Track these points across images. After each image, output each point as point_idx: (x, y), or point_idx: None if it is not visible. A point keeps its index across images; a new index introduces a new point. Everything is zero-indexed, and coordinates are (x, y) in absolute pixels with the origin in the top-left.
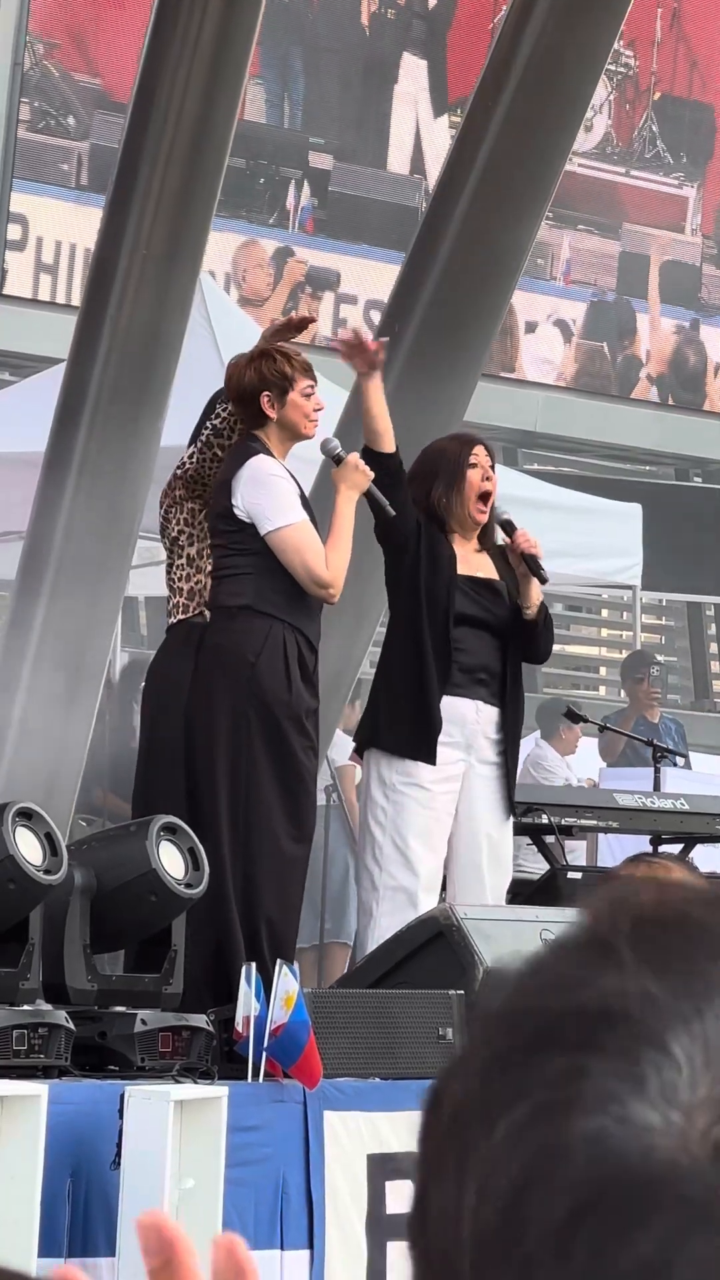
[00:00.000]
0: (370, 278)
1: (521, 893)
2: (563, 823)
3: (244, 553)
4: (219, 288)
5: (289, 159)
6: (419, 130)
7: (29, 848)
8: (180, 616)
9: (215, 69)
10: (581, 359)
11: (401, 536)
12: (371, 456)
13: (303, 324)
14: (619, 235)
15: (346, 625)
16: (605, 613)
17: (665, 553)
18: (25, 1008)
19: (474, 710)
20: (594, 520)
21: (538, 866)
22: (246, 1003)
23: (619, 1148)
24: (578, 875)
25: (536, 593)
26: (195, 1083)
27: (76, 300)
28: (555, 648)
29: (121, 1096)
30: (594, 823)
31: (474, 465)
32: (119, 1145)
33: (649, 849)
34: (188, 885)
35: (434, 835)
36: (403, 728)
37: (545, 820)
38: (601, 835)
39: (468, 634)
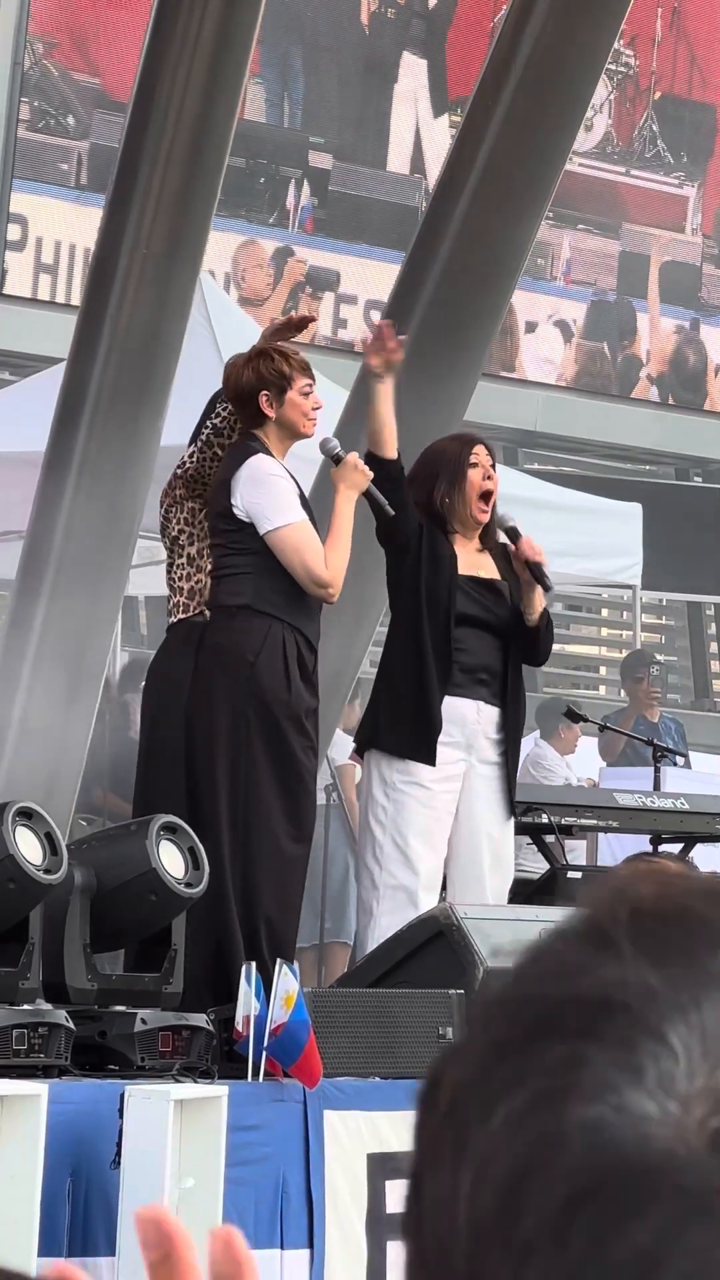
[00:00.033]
0: (370, 277)
1: (521, 892)
2: (563, 822)
3: (243, 552)
4: (219, 287)
5: (289, 158)
6: (419, 130)
7: (29, 847)
8: (180, 616)
9: (215, 68)
10: (582, 359)
11: (403, 537)
12: (373, 461)
13: (302, 323)
14: (619, 235)
15: (346, 625)
16: (605, 612)
17: (665, 552)
18: (25, 1007)
19: (475, 710)
20: (594, 520)
21: (538, 866)
22: (246, 1002)
23: (617, 1137)
24: (578, 875)
25: (540, 599)
26: (195, 1082)
27: (76, 300)
28: (555, 647)
29: (121, 1096)
30: (594, 822)
31: (475, 465)
32: (119, 1145)
33: (649, 849)
34: (188, 885)
35: (434, 835)
36: (403, 728)
37: (545, 820)
38: (601, 835)
39: (469, 634)
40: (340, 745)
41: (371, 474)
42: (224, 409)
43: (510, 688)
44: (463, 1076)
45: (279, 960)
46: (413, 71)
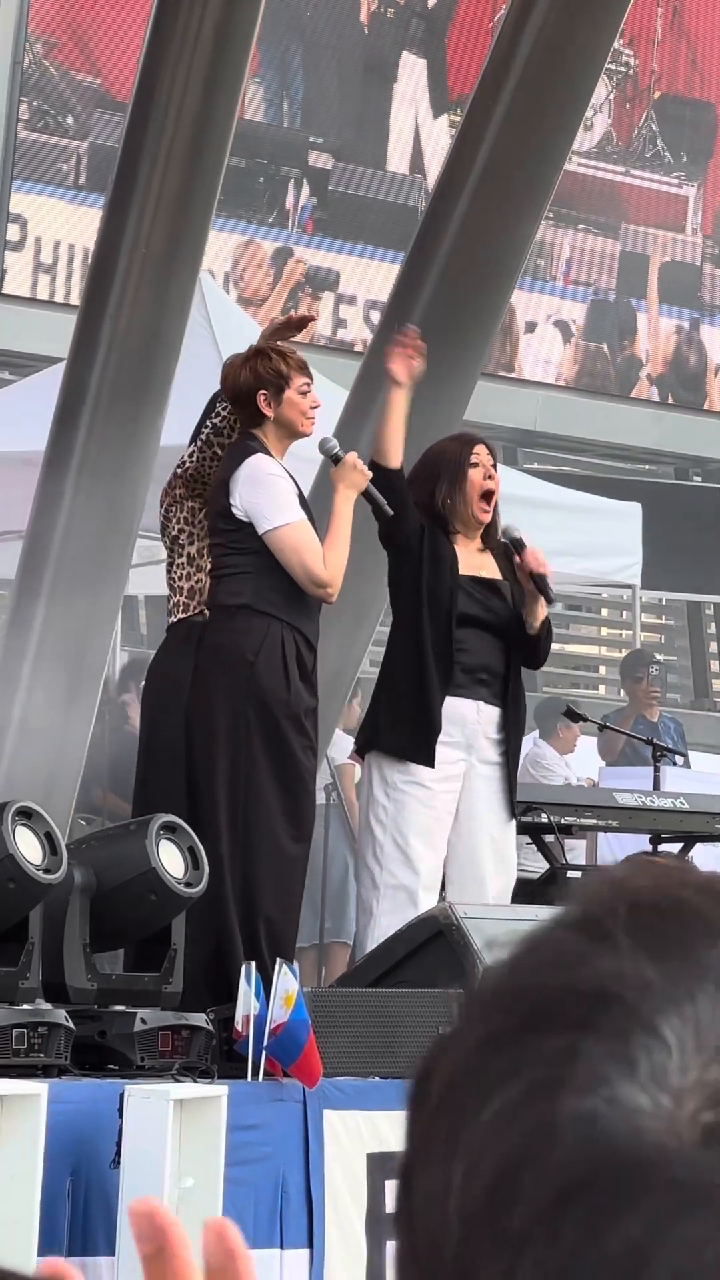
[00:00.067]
0: (370, 277)
1: (521, 892)
2: (562, 822)
3: (243, 552)
4: (219, 286)
5: (288, 158)
6: (418, 129)
7: (29, 847)
8: (180, 615)
9: (215, 68)
10: (581, 359)
11: (403, 538)
12: (376, 469)
13: (302, 323)
14: (619, 235)
15: (346, 625)
16: (605, 612)
17: (665, 552)
18: (25, 1007)
19: (475, 710)
20: (594, 519)
21: (537, 865)
22: (246, 1002)
23: (609, 1129)
24: (578, 874)
25: (542, 609)
26: (195, 1082)
27: (75, 299)
28: (555, 647)
29: (121, 1095)
30: (594, 822)
31: (475, 465)
32: (119, 1144)
33: (649, 848)
34: (187, 884)
35: (434, 834)
36: (403, 729)
37: (545, 819)
38: (601, 834)
39: (470, 634)
40: (340, 745)
41: (370, 474)
42: (224, 408)
43: (511, 688)
44: (456, 1067)
45: (279, 960)
46: (412, 71)
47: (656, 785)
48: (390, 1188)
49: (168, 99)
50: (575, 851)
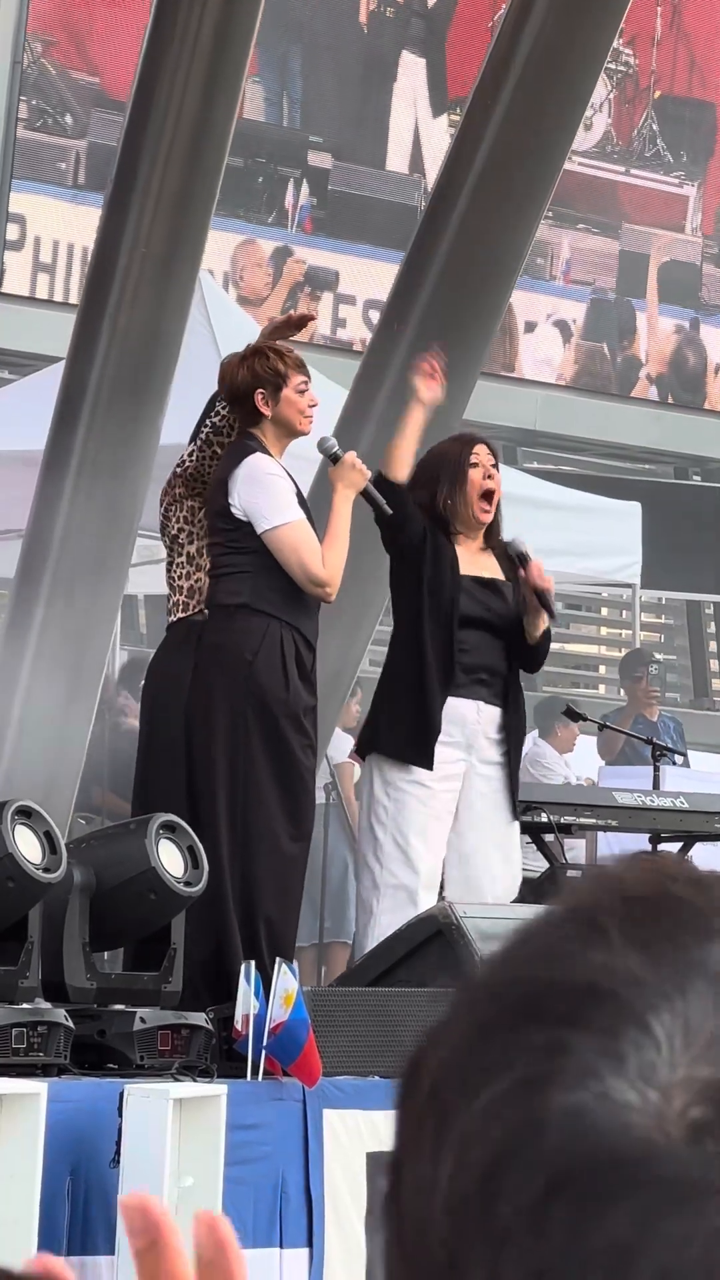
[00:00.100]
0: (369, 277)
1: (521, 891)
2: (562, 821)
3: (241, 551)
4: (218, 286)
5: (288, 158)
6: (418, 129)
7: (28, 846)
8: (180, 615)
9: (214, 67)
10: (581, 359)
11: (406, 540)
12: (382, 481)
13: (302, 322)
14: (619, 234)
15: (346, 625)
16: (605, 611)
17: (664, 551)
18: (24, 1006)
19: (475, 710)
20: (593, 519)
21: (537, 865)
22: (246, 1001)
23: (597, 1125)
24: (577, 874)
25: (542, 622)
26: (194, 1081)
27: (74, 299)
28: (555, 646)
29: (121, 1094)
30: (593, 821)
31: (475, 465)
32: (118, 1143)
33: (648, 847)
34: (187, 883)
35: (434, 834)
36: (402, 731)
37: (545, 818)
38: (601, 834)
39: (471, 634)
40: (339, 744)
41: (370, 473)
42: (223, 407)
43: (511, 688)
44: (445, 1059)
45: (278, 959)
46: (412, 71)
47: (656, 785)
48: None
49: (167, 98)
50: (575, 851)
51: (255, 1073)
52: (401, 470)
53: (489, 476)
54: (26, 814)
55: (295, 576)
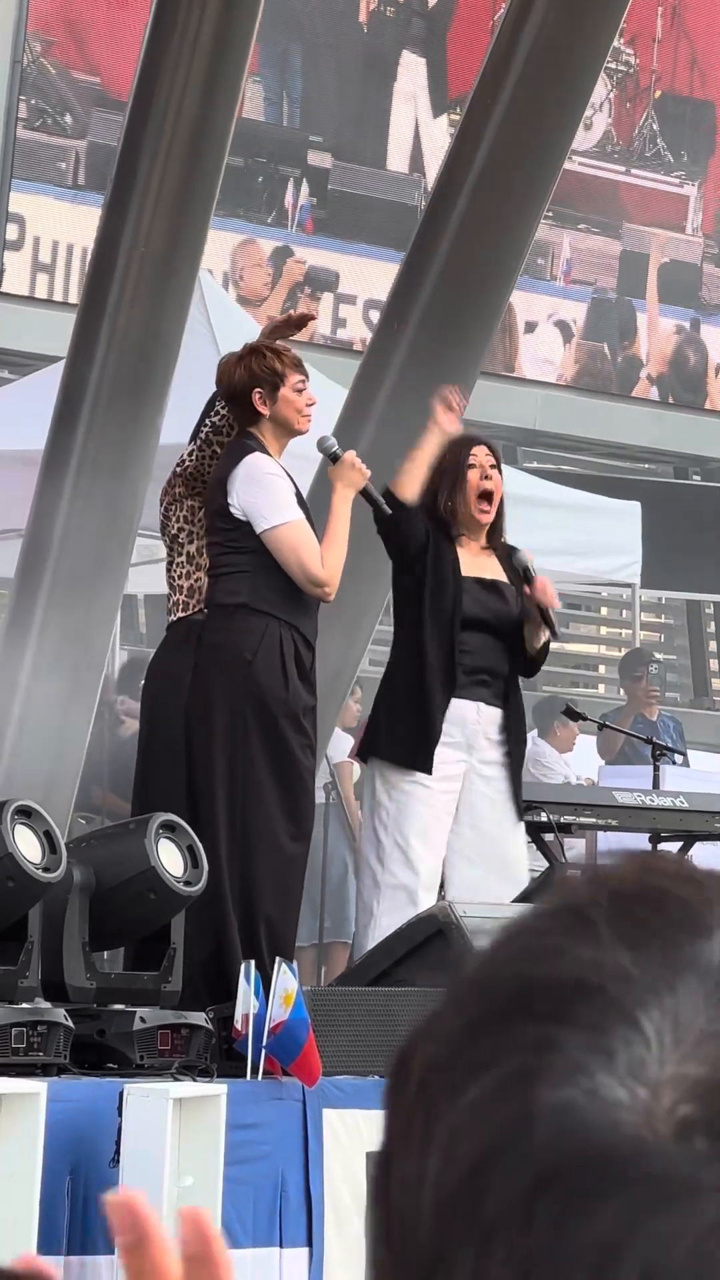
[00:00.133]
0: (369, 277)
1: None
2: (562, 820)
3: (240, 551)
4: (218, 285)
5: (288, 157)
6: (418, 128)
7: (28, 845)
8: (180, 614)
9: (214, 67)
10: (582, 359)
11: (406, 544)
12: (390, 498)
13: (302, 321)
14: (619, 234)
15: (345, 624)
16: (604, 610)
17: (664, 551)
18: (24, 1005)
19: (475, 711)
20: (593, 518)
21: (537, 864)
22: (245, 1000)
23: (585, 1121)
24: (577, 873)
25: (544, 635)
26: (194, 1080)
27: (73, 299)
28: (554, 646)
29: (120, 1094)
30: (593, 820)
31: (472, 466)
32: (118, 1143)
33: (648, 847)
34: (186, 883)
35: (434, 834)
36: (402, 737)
37: (544, 818)
38: (600, 833)
39: (472, 636)
40: (339, 744)
41: (369, 472)
42: (223, 407)
43: (511, 689)
44: (434, 1054)
45: (278, 959)
46: (412, 70)
47: (656, 784)
48: None
49: (167, 98)
50: (574, 850)
51: (255, 1072)
52: (410, 491)
53: (486, 477)
54: (26, 813)
55: (294, 576)
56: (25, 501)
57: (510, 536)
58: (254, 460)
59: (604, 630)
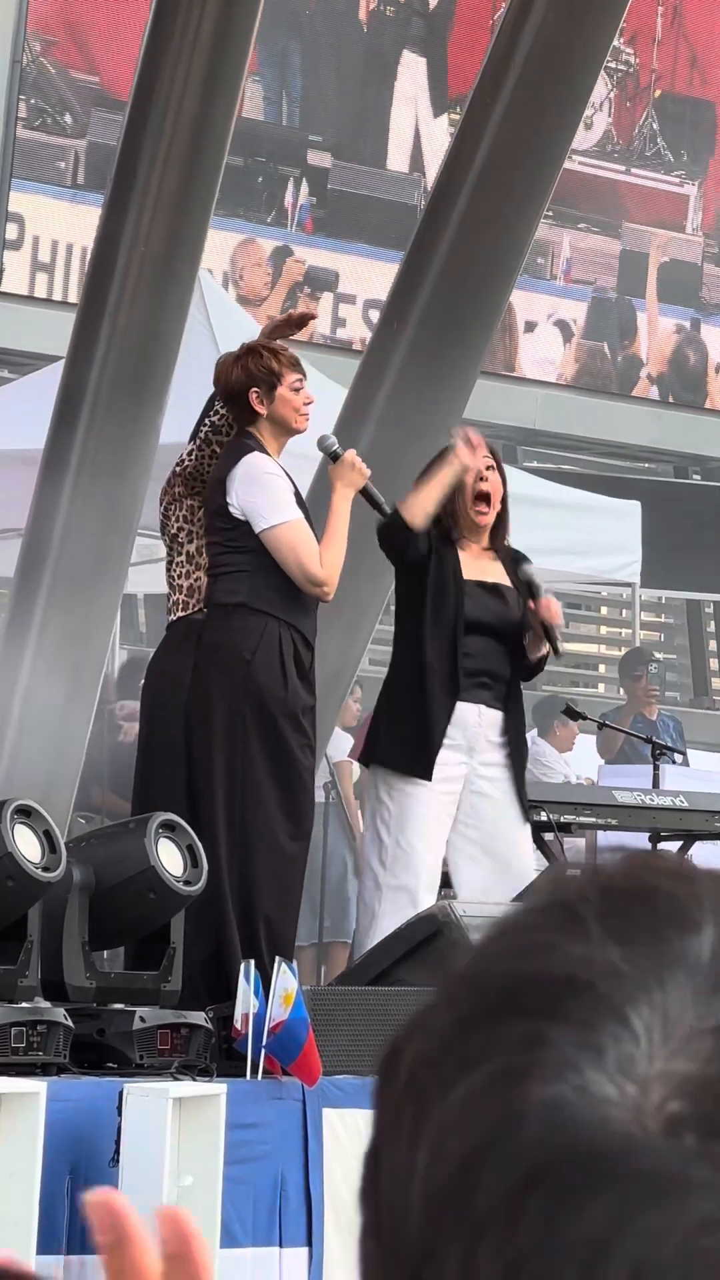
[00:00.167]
0: (369, 277)
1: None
2: (562, 820)
3: (240, 550)
4: (218, 284)
5: (287, 157)
6: (418, 128)
7: (27, 845)
8: (180, 614)
9: (214, 66)
10: (582, 358)
11: (401, 549)
12: (397, 521)
13: (302, 320)
14: (619, 234)
15: (345, 624)
16: (604, 610)
17: (664, 550)
18: (24, 1005)
19: (476, 714)
20: (593, 517)
21: (539, 865)
22: (245, 1000)
23: (575, 1117)
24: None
25: (543, 649)
26: (194, 1080)
27: (72, 298)
28: None
29: (120, 1094)
30: (593, 820)
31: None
32: (118, 1142)
33: (648, 846)
34: (186, 882)
35: (434, 835)
36: (402, 745)
37: (544, 817)
38: (600, 832)
39: (474, 639)
40: (338, 743)
41: (369, 471)
42: (222, 406)
43: (512, 692)
44: (424, 1050)
45: (278, 958)
46: (412, 70)
47: (656, 783)
48: None
49: (167, 98)
50: (573, 850)
51: (255, 1072)
52: (420, 519)
53: (482, 479)
54: (26, 813)
55: (293, 576)
56: (25, 501)
57: (510, 536)
58: (253, 460)
59: (604, 630)
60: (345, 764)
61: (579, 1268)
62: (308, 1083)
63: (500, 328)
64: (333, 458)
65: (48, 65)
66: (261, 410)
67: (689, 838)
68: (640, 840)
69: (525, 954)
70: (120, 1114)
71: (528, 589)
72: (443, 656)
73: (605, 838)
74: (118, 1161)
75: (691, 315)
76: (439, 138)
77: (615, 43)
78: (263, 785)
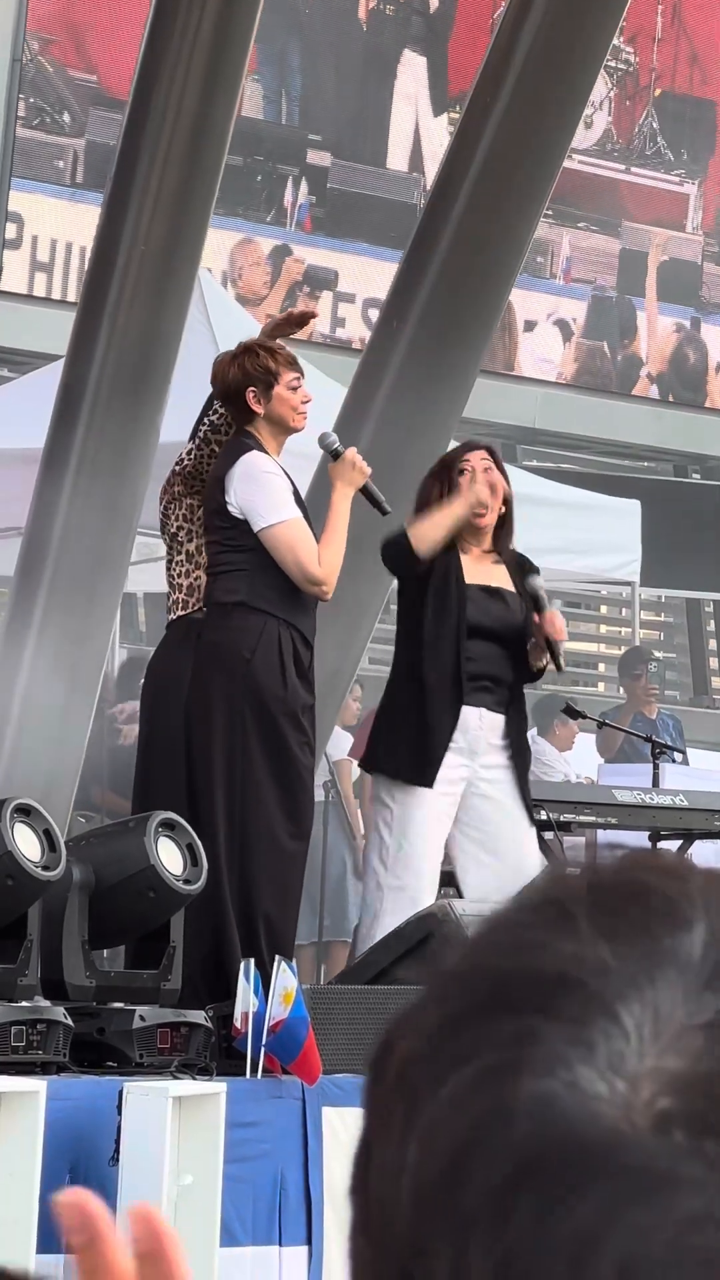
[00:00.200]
0: (368, 276)
1: None
2: (562, 819)
3: (239, 549)
4: (217, 284)
5: (287, 156)
6: (418, 127)
7: (27, 844)
8: (180, 613)
9: (214, 66)
10: (582, 357)
11: (406, 564)
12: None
13: (303, 319)
14: (619, 233)
15: (345, 623)
16: (604, 609)
17: (664, 549)
18: (24, 1004)
19: (478, 717)
20: (593, 516)
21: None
22: (245, 999)
23: (565, 1113)
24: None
25: (543, 660)
26: (194, 1079)
27: (71, 297)
28: None
29: (120, 1092)
30: (593, 819)
31: (463, 472)
32: (117, 1141)
33: (648, 845)
34: (186, 881)
35: (435, 837)
36: (402, 754)
37: (544, 816)
38: (600, 831)
39: (476, 644)
40: (338, 742)
41: (369, 470)
42: (221, 405)
43: (514, 696)
44: (414, 1047)
45: (277, 957)
46: (412, 69)
47: (655, 782)
48: None
49: (166, 97)
50: (573, 850)
51: (255, 1071)
52: (425, 548)
53: (480, 513)
54: (26, 812)
55: (291, 575)
56: (25, 500)
57: (530, 569)
58: (251, 459)
59: (603, 628)
60: (345, 763)
61: (569, 1263)
62: (307, 1081)
63: (500, 327)
64: (333, 455)
65: (46, 64)
66: (259, 409)
67: (689, 837)
68: (640, 839)
69: (516, 951)
70: (120, 1113)
71: (534, 602)
72: (445, 663)
73: (605, 836)
74: (117, 1160)
75: (691, 314)
76: (439, 137)
77: (615, 42)
78: (262, 784)
